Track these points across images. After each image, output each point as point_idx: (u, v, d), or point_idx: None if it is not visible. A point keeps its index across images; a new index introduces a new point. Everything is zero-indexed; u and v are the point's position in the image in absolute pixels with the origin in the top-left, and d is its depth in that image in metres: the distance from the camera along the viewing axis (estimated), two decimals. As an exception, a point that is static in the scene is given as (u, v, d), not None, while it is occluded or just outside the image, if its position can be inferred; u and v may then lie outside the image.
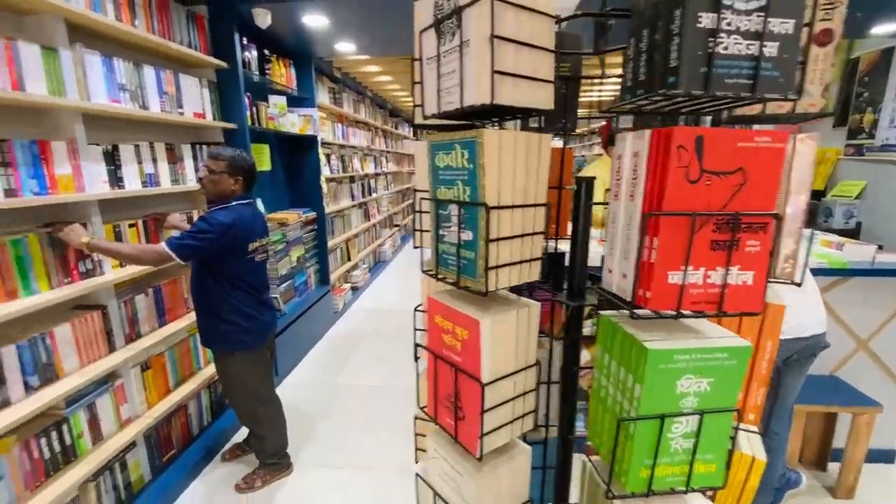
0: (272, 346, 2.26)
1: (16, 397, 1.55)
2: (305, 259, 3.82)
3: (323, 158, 4.11)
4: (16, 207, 1.56)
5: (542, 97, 0.63)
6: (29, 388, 1.59)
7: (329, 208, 4.29)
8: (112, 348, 1.91)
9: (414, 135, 10.36)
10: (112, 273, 1.90)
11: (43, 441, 1.63)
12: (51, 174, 1.65)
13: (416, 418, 1.02)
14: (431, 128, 0.94)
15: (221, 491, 2.17)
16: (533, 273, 0.68)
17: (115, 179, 1.94)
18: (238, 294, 1.91)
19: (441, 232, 0.69)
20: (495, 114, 0.75)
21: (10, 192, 1.52)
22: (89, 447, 1.80)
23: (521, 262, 0.65)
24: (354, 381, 3.24)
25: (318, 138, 3.89)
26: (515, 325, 0.67)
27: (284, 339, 3.14)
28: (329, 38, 3.26)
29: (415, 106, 0.90)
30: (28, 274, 1.59)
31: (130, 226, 2.04)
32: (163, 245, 1.71)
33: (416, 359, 1.02)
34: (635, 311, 0.56)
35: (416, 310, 0.97)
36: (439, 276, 0.71)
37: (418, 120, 0.89)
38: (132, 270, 1.95)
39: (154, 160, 2.15)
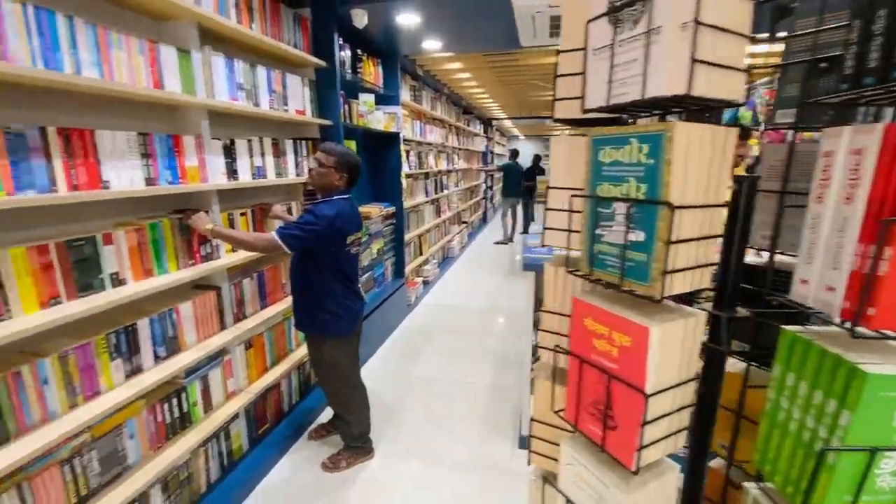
0: (359, 333, 2.34)
1: (147, 365, 1.72)
2: (384, 252, 3.94)
3: (402, 155, 4.20)
4: (154, 195, 1.74)
5: (735, 87, 0.57)
6: (157, 358, 1.77)
7: (405, 204, 4.38)
8: (223, 326, 2.08)
9: (496, 130, 10.31)
10: (226, 257, 2.06)
11: (166, 407, 1.81)
12: (182, 165, 1.82)
13: (532, 420, 0.99)
14: (568, 122, 0.91)
15: (308, 468, 2.29)
16: (704, 280, 0.63)
17: (231, 171, 2.10)
18: (335, 284, 2.00)
19: (599, 231, 0.66)
20: (658, 107, 0.71)
21: (149, 181, 1.69)
22: (202, 415, 1.97)
23: (695, 268, 0.61)
24: (428, 374, 3.29)
25: (401, 135, 3.98)
26: (682, 335, 0.62)
27: (363, 328, 3.25)
28: (418, 35, 3.32)
29: (555, 99, 0.87)
30: (161, 255, 1.77)
31: (241, 214, 2.20)
32: (273, 234, 1.83)
33: (536, 359, 1.00)
34: (856, 329, 0.50)
35: (539, 310, 0.95)
36: (593, 278, 0.67)
37: (559, 114, 0.86)
38: (243, 256, 2.11)
39: (262, 154, 2.31)
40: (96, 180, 1.49)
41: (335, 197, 1.97)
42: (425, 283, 5.14)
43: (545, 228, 0.89)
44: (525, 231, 8.78)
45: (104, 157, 1.50)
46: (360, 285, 3.28)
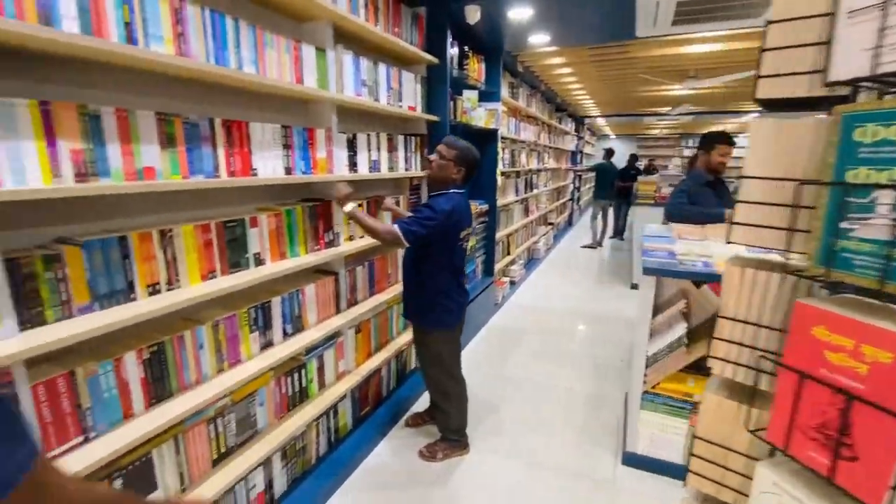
0: (462, 326, 2.34)
1: (277, 340, 1.86)
2: (476, 249, 3.93)
3: (499, 152, 4.16)
4: (289, 183, 1.87)
5: None
6: (285, 335, 1.90)
7: (498, 202, 4.34)
8: (338, 310, 2.19)
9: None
10: (344, 245, 2.17)
11: (289, 380, 1.94)
12: (314, 157, 1.94)
13: (695, 437, 0.90)
14: (771, 104, 0.81)
15: (405, 454, 2.34)
16: None
17: (352, 164, 2.20)
18: (447, 276, 2.02)
19: (845, 225, 0.56)
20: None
21: (287, 170, 1.81)
22: (316, 392, 2.10)
23: None
24: (517, 374, 3.23)
25: (499, 133, 3.94)
26: (964, 355, 0.51)
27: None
28: (527, 29, 3.26)
29: (758, 77, 0.77)
30: (294, 239, 1.90)
31: (359, 205, 2.30)
32: (396, 227, 1.88)
33: (707, 370, 0.91)
34: None
35: (718, 317, 0.85)
36: (832, 280, 0.58)
37: (761, 94, 0.77)
38: (360, 244, 2.21)
39: (378, 148, 2.40)
40: (248, 168, 1.63)
41: (451, 191, 1.98)
42: (512, 283, 5.06)
43: (732, 224, 0.80)
44: (615, 236, 8.33)
45: (255, 147, 1.64)
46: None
